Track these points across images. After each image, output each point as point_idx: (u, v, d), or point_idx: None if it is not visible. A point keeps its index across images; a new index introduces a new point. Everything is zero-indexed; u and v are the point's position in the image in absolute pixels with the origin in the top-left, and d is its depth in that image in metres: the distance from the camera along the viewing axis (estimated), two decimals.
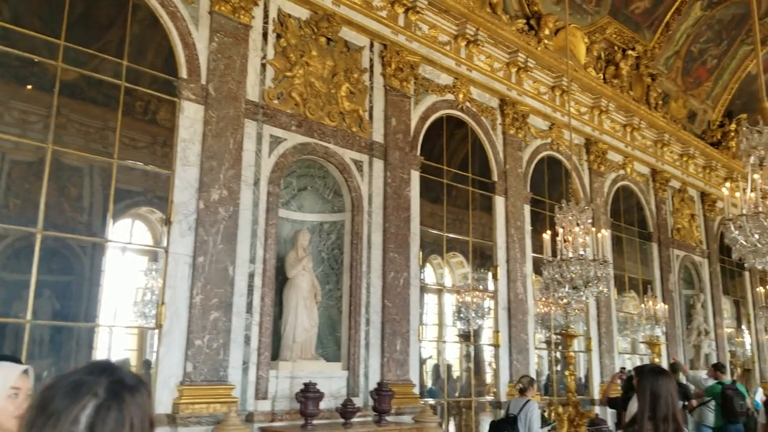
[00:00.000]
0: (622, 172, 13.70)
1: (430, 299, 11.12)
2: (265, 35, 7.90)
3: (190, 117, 7.00)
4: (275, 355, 7.49)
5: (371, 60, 9.07)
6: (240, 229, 7.18)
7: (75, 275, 6.56)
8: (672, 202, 15.24)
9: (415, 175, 9.36)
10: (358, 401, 7.57)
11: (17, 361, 5.13)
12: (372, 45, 9.10)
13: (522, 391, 7.52)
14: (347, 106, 8.59)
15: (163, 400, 6.32)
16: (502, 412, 7.44)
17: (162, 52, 7.05)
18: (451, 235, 10.34)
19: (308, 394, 6.63)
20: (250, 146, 7.51)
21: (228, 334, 6.82)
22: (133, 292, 7.01)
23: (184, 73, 7.05)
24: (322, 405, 6.94)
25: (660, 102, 14.79)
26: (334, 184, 8.56)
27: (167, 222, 6.71)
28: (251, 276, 7.23)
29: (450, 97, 10.13)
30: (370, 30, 8.96)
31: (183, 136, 6.91)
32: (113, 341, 7.02)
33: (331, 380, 7.67)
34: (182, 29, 7.10)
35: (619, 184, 13.68)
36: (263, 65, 7.82)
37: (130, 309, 6.98)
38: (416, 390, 8.62)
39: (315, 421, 6.76)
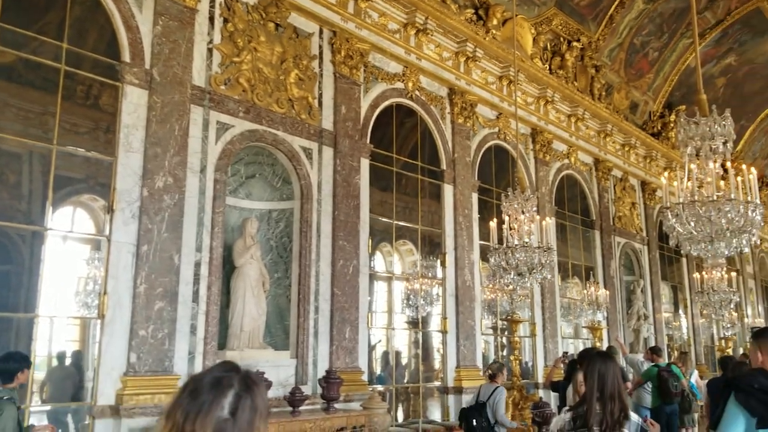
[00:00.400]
0: (566, 161, 14.01)
1: (380, 287, 11.19)
2: (211, 19, 7.75)
3: (134, 102, 6.83)
4: (222, 345, 7.43)
5: (321, 47, 9.01)
6: (186, 217, 7.07)
7: (13, 264, 6.35)
8: (614, 191, 15.69)
9: (365, 163, 9.37)
10: (306, 389, 7.59)
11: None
12: (321, 32, 9.04)
13: (492, 377, 7.59)
14: (296, 93, 8.52)
15: (105, 392, 6.21)
16: (472, 398, 7.51)
17: (104, 35, 6.84)
18: (400, 223, 10.41)
19: None
20: (197, 132, 7.38)
21: (173, 323, 6.72)
22: (75, 282, 6.82)
23: (127, 56, 6.86)
24: (270, 394, 6.91)
25: (603, 93, 15.16)
26: (283, 171, 8.50)
27: (110, 210, 6.55)
28: (197, 265, 7.13)
29: (400, 85, 10.16)
30: (319, 16, 8.88)
31: (126, 122, 6.74)
32: (54, 332, 6.84)
33: (279, 369, 7.66)
34: (125, 12, 6.90)
35: (564, 173, 13.99)
36: (210, 50, 7.67)
37: (71, 299, 6.79)
38: (365, 377, 8.69)
39: None
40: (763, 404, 2.91)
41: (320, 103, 8.88)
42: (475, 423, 6.48)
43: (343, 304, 8.50)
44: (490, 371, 7.72)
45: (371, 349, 10.03)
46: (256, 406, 1.53)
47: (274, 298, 8.20)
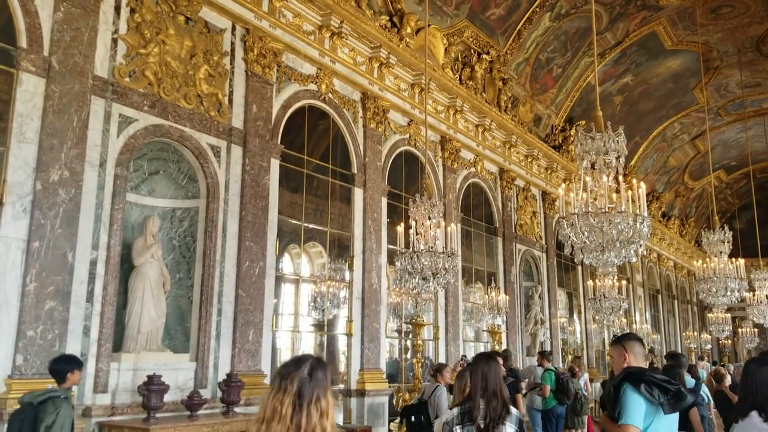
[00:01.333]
0: (473, 169, 14.41)
1: (287, 289, 11.09)
2: (117, 9, 7.45)
3: (30, 90, 6.46)
4: (118, 347, 7.14)
5: (233, 43, 8.85)
6: (82, 213, 6.75)
7: None
8: (516, 200, 16.28)
9: (275, 164, 9.28)
10: (206, 393, 7.42)
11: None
12: (234, 28, 8.88)
13: (434, 377, 7.64)
14: (206, 89, 8.33)
15: None
16: (415, 397, 7.56)
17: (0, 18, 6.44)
18: (310, 225, 10.39)
19: (152, 387, 6.39)
20: (97, 125, 7.06)
21: (65, 324, 6.40)
22: None
23: (23, 42, 6.48)
24: (168, 398, 6.73)
25: (510, 105, 15.72)
26: (188, 169, 8.28)
27: None
28: (93, 263, 6.82)
29: (313, 87, 10.14)
30: (232, 12, 8.72)
31: (20, 111, 6.36)
32: None
33: (178, 372, 7.45)
34: None
35: (470, 180, 14.39)
36: (114, 40, 7.37)
37: None
38: (267, 380, 8.58)
39: (159, 414, 6.53)
40: (664, 392, 3.23)
41: (231, 101, 8.72)
42: (414, 419, 6.58)
43: (248, 306, 8.37)
44: (432, 371, 7.82)
45: (276, 352, 9.93)
46: (326, 376, 2.28)
47: (175, 299, 7.96)
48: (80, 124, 6.80)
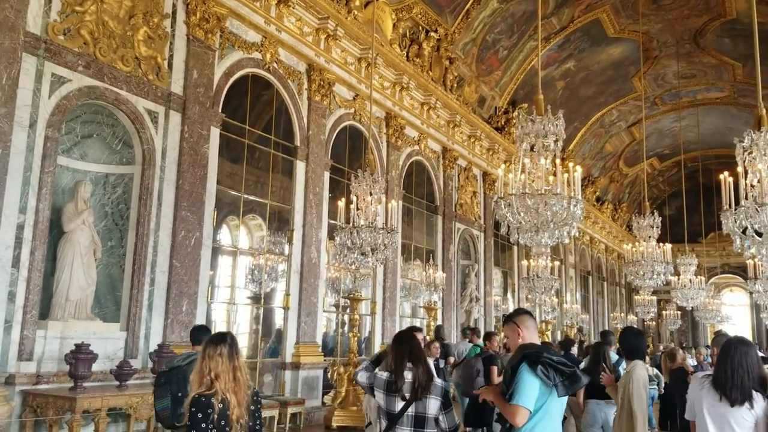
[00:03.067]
0: (417, 147, 14.48)
1: (224, 261, 10.96)
2: None
3: None
4: (45, 314, 6.93)
5: (174, 6, 8.57)
6: (10, 175, 6.48)
7: None
8: (458, 179, 16.47)
9: (215, 133, 9.09)
10: (136, 363, 7.30)
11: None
12: None
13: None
14: (144, 51, 8.05)
15: None
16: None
17: None
18: (250, 197, 10.26)
19: (79, 356, 6.24)
20: (28, 84, 6.76)
21: None
22: None
23: None
24: (96, 367, 6.58)
25: (455, 85, 15.81)
26: (124, 134, 8.02)
27: None
28: (20, 227, 6.57)
29: (257, 55, 9.93)
30: None
31: None
32: None
33: (108, 341, 7.29)
34: None
35: (414, 158, 14.46)
36: None
37: None
38: None
39: (87, 384, 6.39)
40: (560, 375, 3.28)
41: (170, 66, 8.47)
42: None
43: (182, 277, 8.23)
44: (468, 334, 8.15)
45: (210, 324, 9.82)
46: (236, 343, 3.38)
47: (106, 268, 7.75)
48: (10, 82, 6.49)
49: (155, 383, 4.82)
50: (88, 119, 7.81)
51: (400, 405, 3.49)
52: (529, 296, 14.70)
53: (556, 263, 14.63)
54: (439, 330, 10.74)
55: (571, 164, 6.53)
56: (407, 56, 13.79)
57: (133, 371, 6.79)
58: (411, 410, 3.48)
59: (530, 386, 3.26)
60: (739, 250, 6.27)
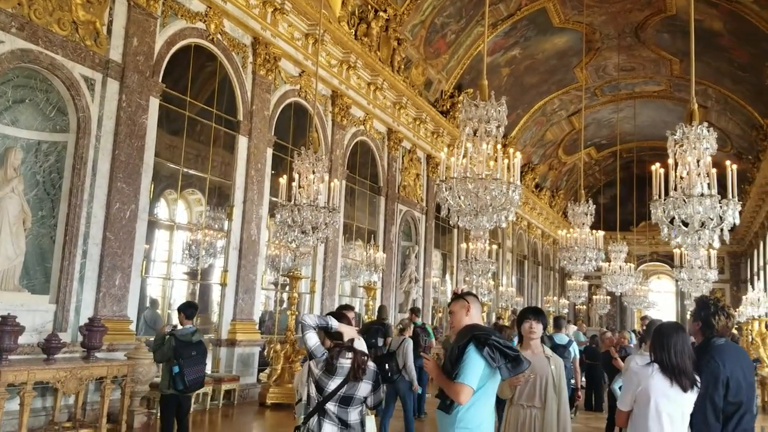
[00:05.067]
0: (362, 127, 14.45)
1: (161, 235, 10.73)
2: None
3: None
4: None
5: None
6: None
7: None
8: (402, 161, 16.55)
9: (155, 103, 8.85)
10: (66, 337, 7.12)
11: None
12: None
13: (401, 331, 8.29)
14: (82, 15, 7.75)
15: None
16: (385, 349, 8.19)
17: None
18: (190, 171, 10.06)
19: (5, 327, 6.02)
20: None
21: None
22: None
23: None
24: (23, 339, 6.37)
25: (403, 66, 15.81)
26: (58, 100, 7.72)
27: None
28: None
29: (201, 25, 9.68)
30: None
31: None
32: None
33: (36, 314, 7.07)
34: None
35: (359, 138, 14.44)
36: None
37: None
38: (133, 326, 8.34)
39: (12, 357, 6.18)
40: (504, 357, 3.39)
41: (109, 32, 8.18)
42: (387, 367, 6.92)
43: (116, 250, 8.03)
44: (400, 326, 8.52)
45: (144, 298, 9.64)
46: None
47: (36, 238, 7.48)
48: None
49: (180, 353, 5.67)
50: (20, 83, 7.48)
51: (333, 384, 3.53)
52: (467, 278, 14.97)
53: (494, 247, 14.95)
54: (381, 310, 10.90)
55: (511, 150, 6.65)
56: (355, 35, 13.70)
57: (62, 345, 6.61)
58: (342, 390, 3.53)
59: (476, 366, 3.34)
60: (667, 239, 6.52)
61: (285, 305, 11.36)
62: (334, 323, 3.68)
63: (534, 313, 4.46)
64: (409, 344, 7.95)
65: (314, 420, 3.53)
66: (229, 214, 10.38)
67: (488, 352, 3.34)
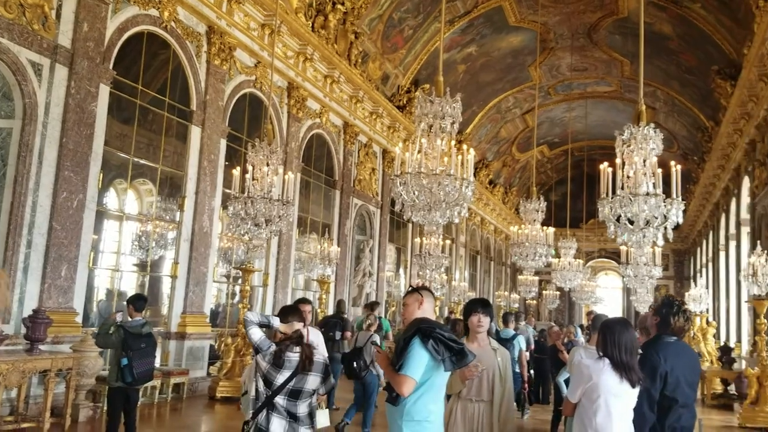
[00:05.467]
0: (318, 120, 14.39)
1: (110, 225, 10.51)
2: None
3: None
4: None
5: None
6: None
7: None
8: (358, 155, 16.55)
9: (105, 91, 8.64)
10: (8, 329, 6.92)
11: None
12: None
13: (369, 327, 8.42)
14: None
15: None
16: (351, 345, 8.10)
17: None
18: (140, 161, 9.87)
19: None
20: None
21: None
22: None
23: None
24: None
25: (360, 60, 15.80)
26: (3, 85, 7.49)
27: None
28: None
29: (154, 12, 9.49)
30: None
31: None
32: None
33: None
34: None
35: (315, 131, 14.38)
36: None
37: None
38: (80, 319, 8.16)
39: None
40: (449, 350, 3.44)
41: (59, 16, 7.95)
42: (355, 365, 6.84)
43: (62, 240, 7.83)
44: (369, 321, 8.61)
45: (92, 290, 9.43)
46: None
47: None
48: None
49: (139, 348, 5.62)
50: None
51: (282, 378, 3.53)
52: (421, 273, 15.09)
53: (448, 242, 15.11)
54: (339, 304, 10.93)
55: (465, 147, 6.74)
56: (312, 27, 13.62)
57: (5, 337, 6.41)
58: (291, 383, 3.54)
59: (420, 359, 3.39)
60: (613, 237, 6.71)
61: (237, 298, 11.26)
62: (275, 322, 3.69)
63: (482, 305, 4.48)
64: (376, 339, 8.10)
65: (263, 414, 3.53)
66: (180, 205, 10.22)
67: (432, 345, 3.40)
